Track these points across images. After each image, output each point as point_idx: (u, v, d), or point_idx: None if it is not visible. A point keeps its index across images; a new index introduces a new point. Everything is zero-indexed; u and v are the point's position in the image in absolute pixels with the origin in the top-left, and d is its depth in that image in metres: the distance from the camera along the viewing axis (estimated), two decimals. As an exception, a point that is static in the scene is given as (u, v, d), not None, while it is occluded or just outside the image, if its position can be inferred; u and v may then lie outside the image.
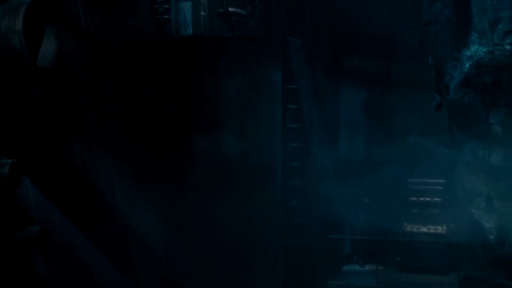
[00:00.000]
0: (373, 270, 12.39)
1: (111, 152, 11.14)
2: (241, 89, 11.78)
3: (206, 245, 11.48)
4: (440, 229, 12.45)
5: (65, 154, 9.30)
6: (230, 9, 11.80)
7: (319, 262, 12.51)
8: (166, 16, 11.06)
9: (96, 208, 10.48)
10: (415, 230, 12.44)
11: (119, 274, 10.44)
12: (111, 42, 10.69)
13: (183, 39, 12.08)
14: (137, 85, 11.38)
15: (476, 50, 10.74)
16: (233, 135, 11.74)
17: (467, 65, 10.77)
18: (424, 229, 12.48)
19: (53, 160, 8.90)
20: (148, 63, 11.48)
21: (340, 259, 13.12)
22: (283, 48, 11.92)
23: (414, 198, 12.67)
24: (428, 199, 12.68)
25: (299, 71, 12.22)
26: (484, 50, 10.66)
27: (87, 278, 9.90)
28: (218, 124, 11.76)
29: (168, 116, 11.64)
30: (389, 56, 13.26)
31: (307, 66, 12.48)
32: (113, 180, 10.99)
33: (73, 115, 9.47)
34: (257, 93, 11.78)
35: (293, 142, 11.99)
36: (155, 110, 11.60)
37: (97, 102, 10.79)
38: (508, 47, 10.43)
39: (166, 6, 11.14)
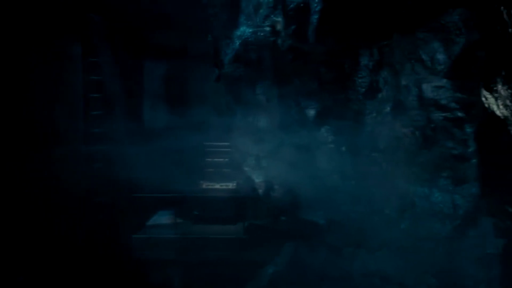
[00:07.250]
0: (173, 223, 13.50)
1: None
2: (44, 62, 12.56)
3: (16, 205, 12.35)
4: (230, 185, 13.76)
5: None
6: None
7: (124, 218, 13.78)
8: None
9: None
10: (210, 186, 13.63)
11: None
12: None
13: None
14: None
15: (244, 30, 11.76)
16: (38, 103, 12.54)
17: (237, 43, 11.79)
18: (217, 186, 13.74)
19: None
20: None
21: (145, 214, 14.26)
22: (84, 23, 12.82)
23: (209, 159, 14.01)
24: (220, 159, 14.05)
25: (100, 45, 13.20)
26: (250, 31, 11.70)
27: None
28: (24, 92, 12.51)
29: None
30: (186, 33, 14.02)
31: (111, 41, 13.43)
32: None
33: None
34: (59, 65, 12.57)
35: (94, 110, 13.05)
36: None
37: None
38: (267, 28, 11.53)
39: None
